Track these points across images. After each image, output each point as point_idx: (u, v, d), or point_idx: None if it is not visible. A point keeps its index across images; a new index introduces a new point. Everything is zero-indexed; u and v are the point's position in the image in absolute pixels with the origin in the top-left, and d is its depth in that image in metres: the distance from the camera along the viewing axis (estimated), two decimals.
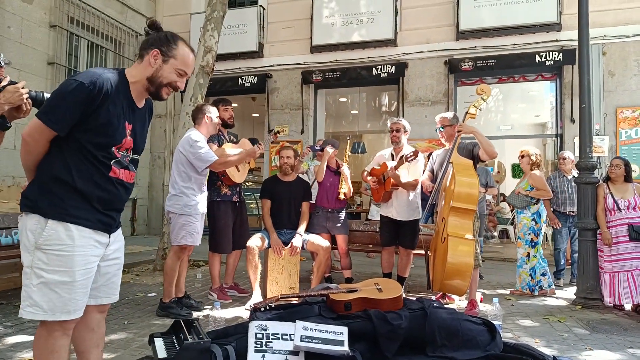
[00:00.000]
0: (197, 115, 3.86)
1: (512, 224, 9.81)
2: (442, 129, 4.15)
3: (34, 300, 1.63)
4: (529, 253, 4.85)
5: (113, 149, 1.76)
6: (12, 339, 3.02)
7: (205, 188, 3.87)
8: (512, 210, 10.11)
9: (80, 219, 1.69)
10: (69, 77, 1.73)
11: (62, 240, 1.65)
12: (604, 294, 4.31)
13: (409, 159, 4.00)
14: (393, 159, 4.37)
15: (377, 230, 4.76)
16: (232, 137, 4.48)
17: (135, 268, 5.87)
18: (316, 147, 5.12)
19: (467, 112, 3.92)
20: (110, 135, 1.73)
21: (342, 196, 4.49)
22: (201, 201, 3.76)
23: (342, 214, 4.65)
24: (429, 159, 4.48)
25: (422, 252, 4.70)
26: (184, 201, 3.64)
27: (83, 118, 1.67)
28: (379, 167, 4.47)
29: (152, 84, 1.81)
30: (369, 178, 4.52)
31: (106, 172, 1.76)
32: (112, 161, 1.77)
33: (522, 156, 5.17)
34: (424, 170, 4.40)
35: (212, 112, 3.85)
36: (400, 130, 4.34)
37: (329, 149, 4.57)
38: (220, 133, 4.27)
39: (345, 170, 4.57)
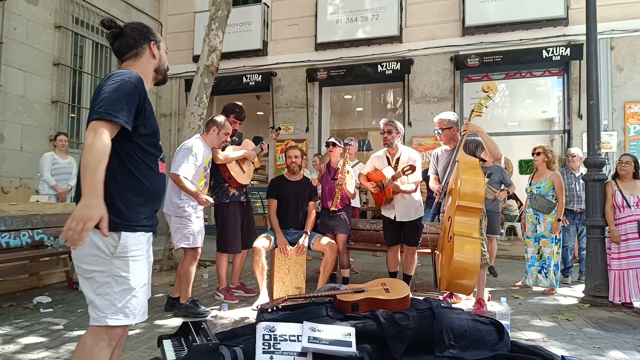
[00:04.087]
0: (208, 125, 3.95)
1: (519, 221, 9.74)
2: (440, 132, 4.06)
3: (118, 307, 1.69)
4: (554, 251, 4.83)
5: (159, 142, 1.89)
6: (24, 340, 3.04)
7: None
8: (519, 207, 10.04)
9: (144, 225, 1.79)
10: (113, 75, 1.72)
11: (135, 247, 1.73)
12: (611, 292, 4.26)
13: (406, 172, 3.98)
14: (388, 162, 4.30)
15: (382, 229, 4.73)
16: (235, 139, 4.49)
17: None
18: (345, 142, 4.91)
19: (473, 110, 3.87)
20: (156, 128, 1.86)
21: (334, 208, 4.33)
22: (193, 207, 3.74)
23: (344, 212, 4.55)
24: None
25: (429, 250, 4.68)
26: (176, 203, 3.68)
27: (137, 116, 1.74)
28: (374, 172, 4.36)
29: (159, 73, 1.96)
30: (368, 184, 4.38)
31: (157, 169, 1.85)
32: (159, 157, 1.88)
33: (538, 153, 4.95)
34: (427, 171, 4.36)
35: (225, 129, 3.92)
36: (392, 131, 4.22)
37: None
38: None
39: (352, 173, 4.40)
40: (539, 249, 4.93)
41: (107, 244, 1.67)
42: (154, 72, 1.94)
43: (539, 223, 4.91)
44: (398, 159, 4.23)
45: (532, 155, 5.08)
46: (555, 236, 4.81)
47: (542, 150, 4.95)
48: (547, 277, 4.88)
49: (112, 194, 1.69)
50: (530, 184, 5.07)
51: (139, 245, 1.74)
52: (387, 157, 4.34)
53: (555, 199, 4.83)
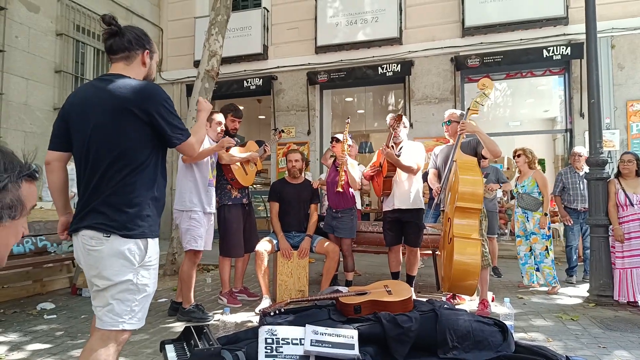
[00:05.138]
0: None
1: None
2: (448, 124, 4.08)
3: (135, 312, 1.72)
4: (547, 247, 4.85)
5: None
6: (28, 347, 3.05)
7: (211, 191, 3.88)
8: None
9: (157, 232, 1.82)
10: (158, 92, 1.81)
11: (155, 254, 1.80)
12: (616, 291, 4.22)
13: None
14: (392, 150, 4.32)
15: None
16: (237, 140, 4.50)
17: None
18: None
19: (469, 108, 3.81)
20: None
21: (339, 188, 4.21)
22: (205, 202, 3.77)
23: (347, 215, 4.45)
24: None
25: (430, 252, 4.67)
26: (187, 198, 3.71)
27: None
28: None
29: None
30: (369, 171, 4.39)
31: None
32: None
33: (519, 155, 5.11)
34: (426, 172, 4.35)
35: (215, 118, 3.90)
36: (400, 125, 4.27)
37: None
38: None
39: (350, 160, 4.37)
40: (531, 247, 4.98)
41: (133, 254, 1.69)
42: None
43: (528, 221, 4.97)
44: (401, 148, 4.25)
45: (513, 158, 5.24)
46: (546, 232, 4.86)
47: (522, 152, 5.10)
48: (542, 274, 4.89)
49: (145, 203, 1.74)
50: (515, 185, 5.19)
51: (157, 253, 1.79)
52: (392, 146, 4.33)
53: (542, 196, 4.92)
